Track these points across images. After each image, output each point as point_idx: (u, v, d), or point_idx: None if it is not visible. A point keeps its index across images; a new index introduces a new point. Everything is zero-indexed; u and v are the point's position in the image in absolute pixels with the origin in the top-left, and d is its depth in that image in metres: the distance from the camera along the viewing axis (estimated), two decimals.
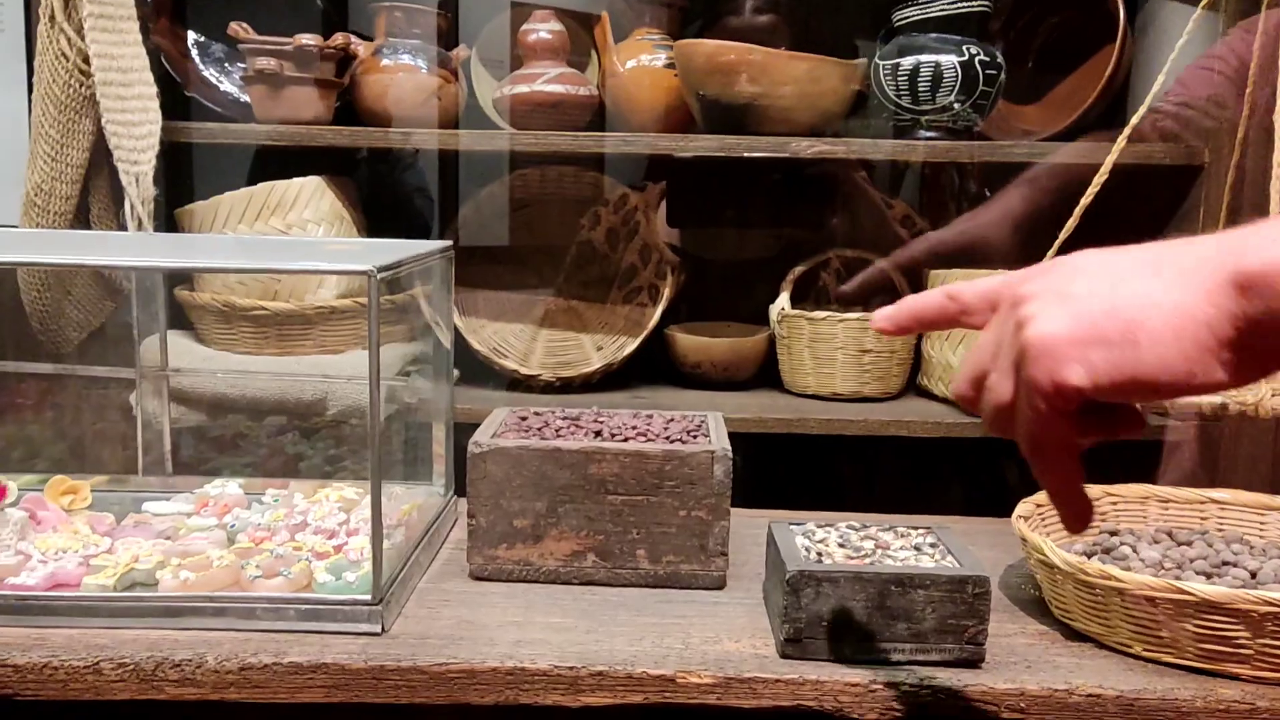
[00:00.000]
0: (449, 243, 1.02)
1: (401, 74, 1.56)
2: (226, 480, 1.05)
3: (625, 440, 0.92)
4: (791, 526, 0.86)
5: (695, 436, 0.93)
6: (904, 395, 1.62)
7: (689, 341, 1.64)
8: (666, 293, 1.62)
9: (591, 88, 1.58)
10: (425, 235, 1.75)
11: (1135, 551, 0.85)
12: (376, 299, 0.78)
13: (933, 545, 0.81)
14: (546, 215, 1.75)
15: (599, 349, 1.71)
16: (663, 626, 0.82)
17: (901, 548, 0.80)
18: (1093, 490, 0.96)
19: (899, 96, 1.49)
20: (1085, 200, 1.11)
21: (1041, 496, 0.92)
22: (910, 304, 0.63)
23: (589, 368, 1.61)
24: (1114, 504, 0.94)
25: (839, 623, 0.75)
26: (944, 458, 1.66)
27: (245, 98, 1.62)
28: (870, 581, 0.75)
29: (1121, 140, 1.11)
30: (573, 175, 1.71)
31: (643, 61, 1.59)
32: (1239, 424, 1.27)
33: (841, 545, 0.81)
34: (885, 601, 0.75)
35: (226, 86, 1.65)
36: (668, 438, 0.92)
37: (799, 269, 1.63)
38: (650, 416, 1.00)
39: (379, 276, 0.78)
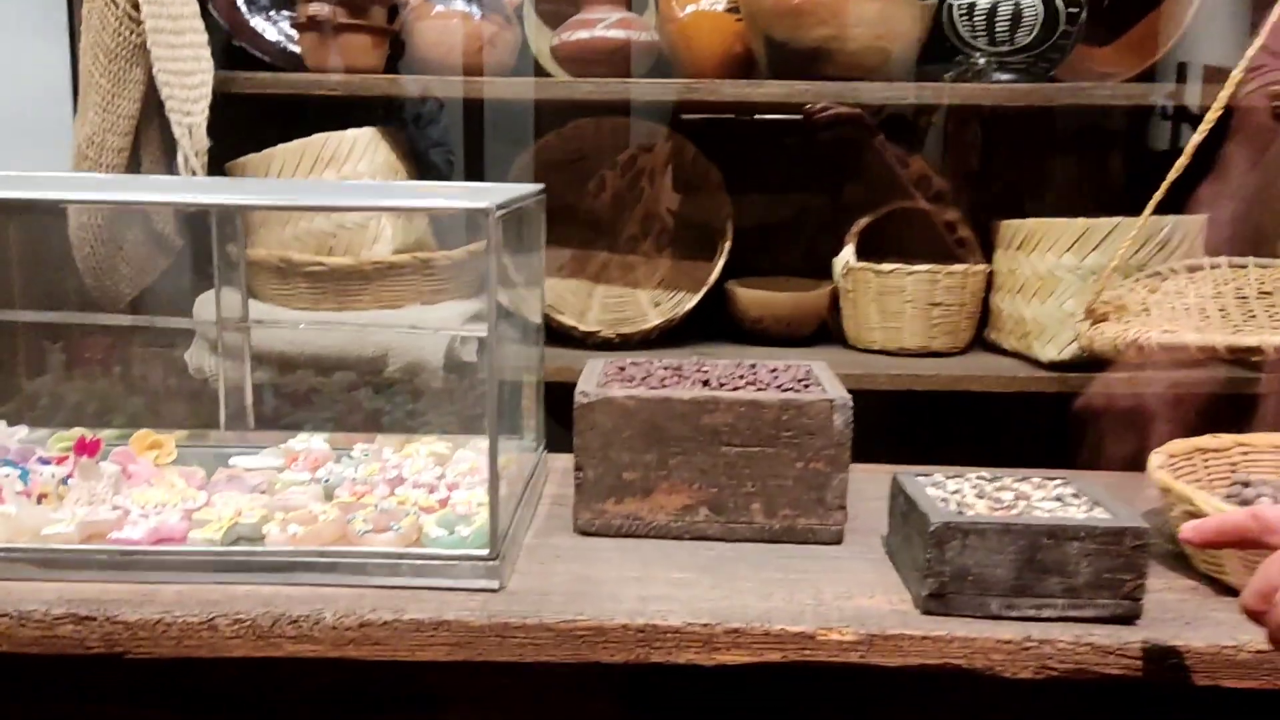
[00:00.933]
0: (541, 185, 0.98)
1: (455, 20, 1.51)
2: (310, 434, 1.01)
3: (736, 389, 0.88)
4: (918, 478, 0.82)
5: (806, 386, 0.90)
6: (970, 350, 1.58)
7: (751, 296, 1.60)
8: (727, 246, 1.58)
9: (653, 32, 1.53)
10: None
11: (1278, 502, 0.82)
12: (498, 238, 0.74)
13: (1075, 496, 0.78)
14: (602, 168, 1.70)
15: (656, 305, 1.67)
16: (789, 582, 0.79)
17: (1043, 498, 0.77)
18: (1224, 439, 0.94)
19: (974, 38, 1.44)
20: (1195, 139, 1.07)
21: (1174, 445, 0.88)
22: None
23: (647, 324, 1.57)
24: (1245, 454, 0.90)
25: (986, 577, 0.72)
26: (1010, 412, 1.62)
27: (294, 47, 1.57)
28: (1020, 534, 0.71)
29: (1236, 75, 1.06)
30: (628, 127, 1.66)
31: (702, 6, 1.54)
32: None
33: (980, 496, 0.78)
34: (1036, 555, 0.72)
35: (273, 35, 1.60)
36: (779, 386, 0.89)
37: (864, 221, 1.59)
38: (754, 366, 0.96)
39: (497, 214, 0.74)
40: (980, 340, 1.60)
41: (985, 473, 0.84)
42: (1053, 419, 1.61)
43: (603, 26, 1.49)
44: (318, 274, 1.44)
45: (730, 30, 1.53)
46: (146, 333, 1.31)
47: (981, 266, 1.54)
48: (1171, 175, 1.11)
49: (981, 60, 1.46)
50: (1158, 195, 1.10)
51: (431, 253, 1.48)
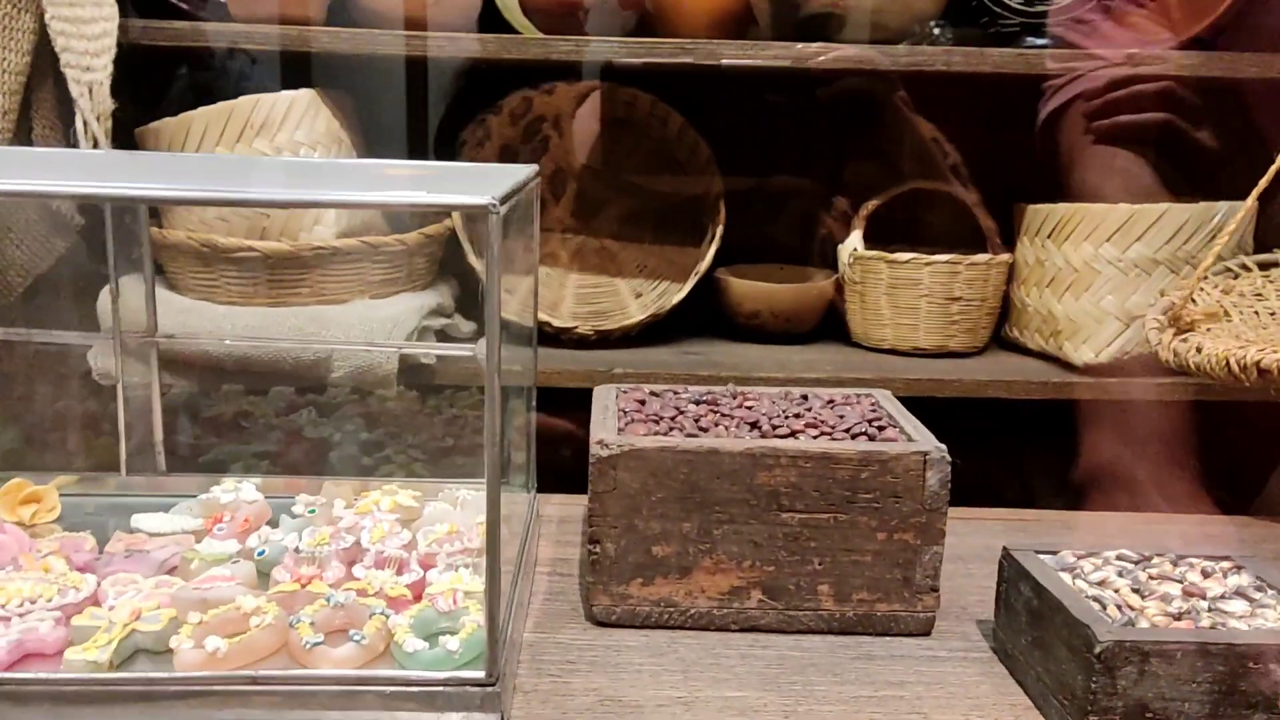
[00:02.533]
0: (535, 167, 0.75)
1: None
2: (239, 480, 0.78)
3: (794, 434, 0.67)
4: (1042, 557, 0.62)
5: (881, 428, 0.69)
6: (989, 349, 1.39)
7: (746, 288, 1.38)
8: (718, 231, 1.35)
9: None
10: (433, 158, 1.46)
11: None
12: (500, 239, 0.51)
13: (1259, 588, 0.58)
14: (575, 139, 1.46)
15: (638, 296, 1.45)
16: (882, 701, 0.58)
17: (1223, 595, 0.57)
18: None
19: None
20: None
21: None
22: None
23: (629, 319, 1.35)
24: None
25: (1170, 713, 0.52)
26: (1031, 417, 1.43)
27: None
28: (1218, 656, 0.51)
29: None
30: (605, 91, 1.42)
31: None
32: None
33: (1137, 591, 0.57)
34: (1239, 684, 0.52)
35: None
36: (849, 430, 0.67)
37: (873, 203, 1.37)
38: (806, 398, 0.75)
39: (501, 211, 0.52)
40: (998, 338, 1.40)
41: (1129, 552, 0.63)
42: (1079, 424, 1.42)
43: None
44: (248, 261, 1.18)
45: None
46: (39, 327, 1.05)
47: (1005, 257, 1.34)
48: None
49: (1014, 21, 1.25)
50: (1264, 181, 0.91)
51: (382, 236, 1.23)
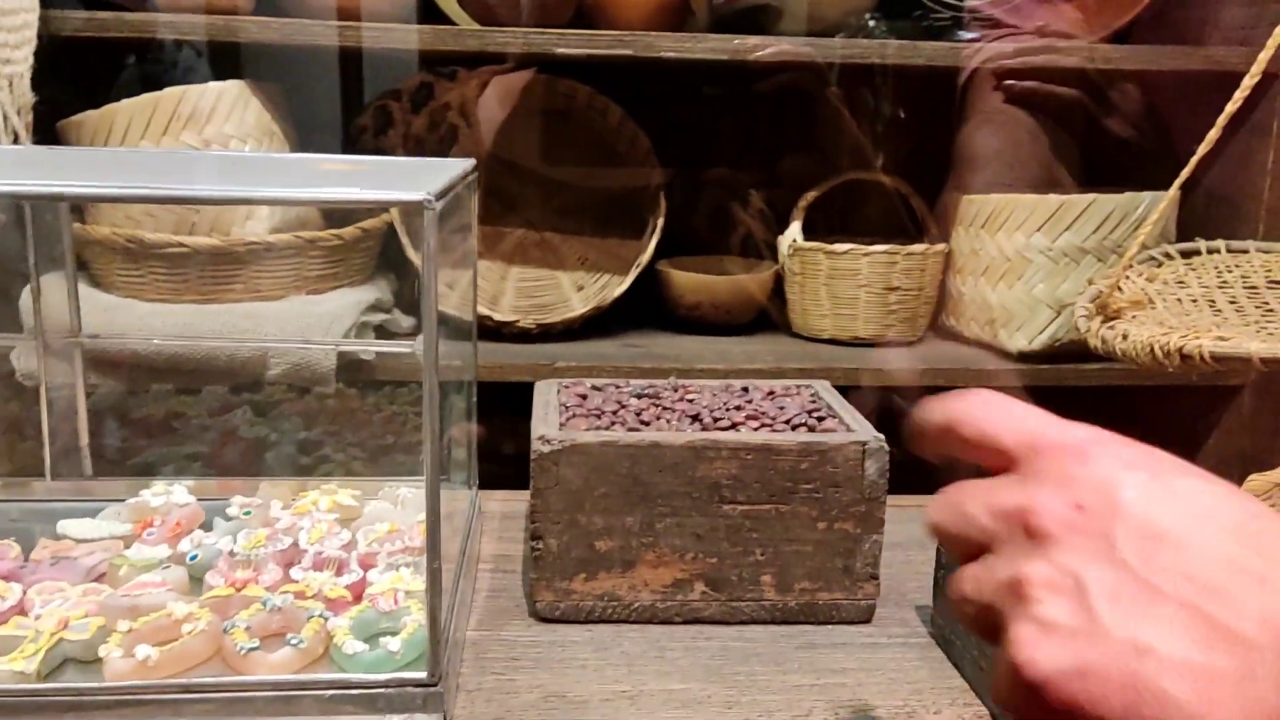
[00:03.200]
0: (472, 161, 0.74)
1: None
2: (170, 483, 0.76)
3: (735, 426, 0.67)
4: None
5: (821, 419, 0.69)
6: (927, 338, 1.40)
7: (687, 280, 1.38)
8: (659, 223, 1.35)
9: None
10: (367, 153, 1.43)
11: None
12: (436, 235, 0.50)
13: None
14: (513, 131, 1.45)
15: (579, 289, 1.44)
16: (824, 689, 0.58)
17: None
18: None
19: None
20: (1229, 110, 0.89)
21: (1253, 484, 0.71)
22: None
23: (571, 312, 1.34)
24: None
25: None
26: None
27: None
28: None
29: (1277, 35, 0.89)
30: (544, 84, 1.41)
31: None
32: None
33: None
34: None
35: None
36: (789, 422, 0.68)
37: (811, 195, 1.38)
38: (746, 390, 0.75)
39: (437, 207, 0.51)
40: (935, 327, 1.42)
41: None
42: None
43: None
44: (177, 257, 1.15)
45: None
46: None
47: (941, 247, 1.35)
48: (1202, 149, 0.93)
49: (947, 15, 1.26)
50: (1185, 172, 0.93)
51: (318, 231, 1.21)
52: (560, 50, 1.22)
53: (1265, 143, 1.22)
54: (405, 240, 1.26)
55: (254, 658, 0.55)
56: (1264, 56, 0.90)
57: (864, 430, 0.65)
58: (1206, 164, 1.15)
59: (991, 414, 0.38)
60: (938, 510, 0.38)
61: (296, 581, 0.63)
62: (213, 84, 1.19)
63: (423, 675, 0.54)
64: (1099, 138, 1.42)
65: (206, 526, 0.71)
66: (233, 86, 1.20)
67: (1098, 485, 0.33)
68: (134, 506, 0.72)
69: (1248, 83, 0.89)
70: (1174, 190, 0.92)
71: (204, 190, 0.50)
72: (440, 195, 0.52)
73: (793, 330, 1.40)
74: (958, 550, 0.38)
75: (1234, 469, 1.22)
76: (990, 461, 0.38)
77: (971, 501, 0.37)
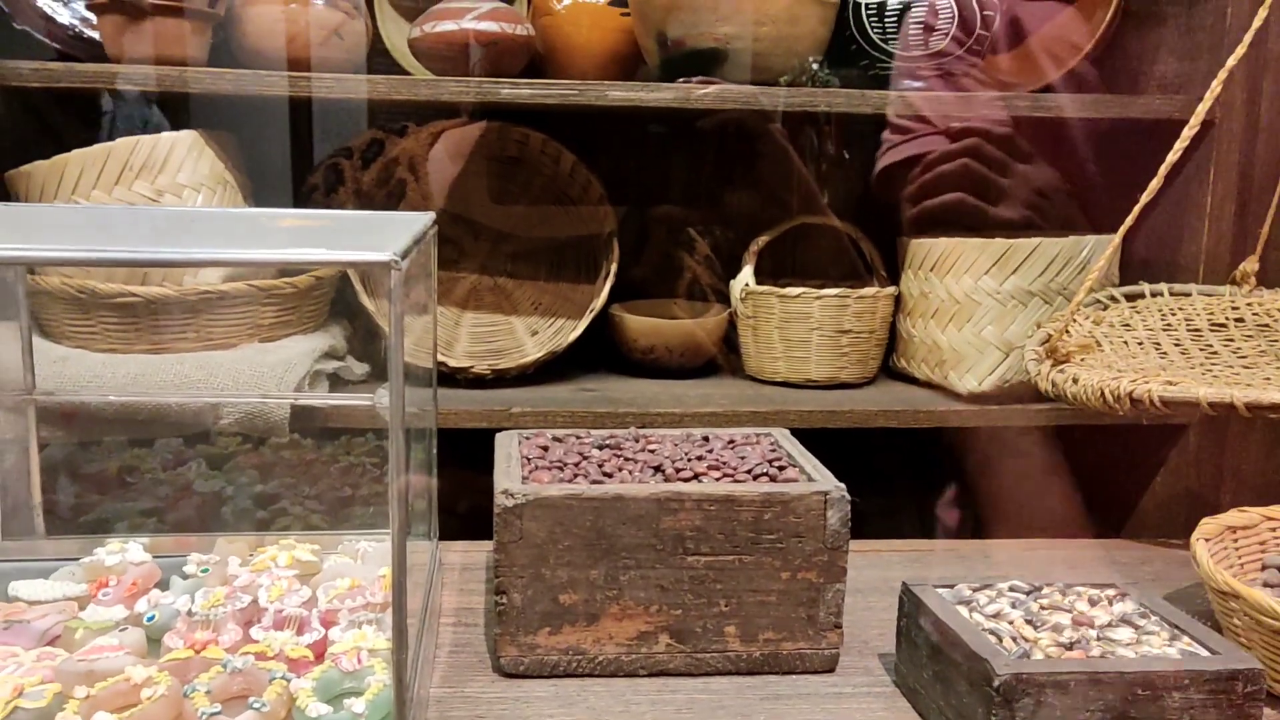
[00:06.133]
0: (431, 215, 0.74)
1: (293, 5, 1.23)
2: (125, 540, 0.74)
3: (698, 476, 0.67)
4: (940, 591, 0.64)
5: (782, 468, 0.70)
6: (879, 380, 1.42)
7: (640, 324, 1.39)
8: (612, 268, 1.36)
9: (528, 27, 1.30)
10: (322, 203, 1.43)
11: None
12: (401, 297, 0.51)
13: (1143, 614, 0.61)
14: (466, 178, 1.46)
15: (534, 334, 1.44)
16: None
17: (1109, 622, 0.59)
18: (1251, 514, 0.80)
19: (884, 40, 1.28)
20: (1171, 159, 0.93)
21: (1206, 528, 0.73)
22: None
23: (525, 357, 1.34)
24: (1273, 530, 0.76)
25: None
26: (917, 445, 1.47)
27: (91, 32, 1.26)
28: (1109, 685, 0.54)
29: (1215, 87, 0.93)
30: (497, 131, 1.42)
31: None
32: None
33: (1031, 622, 0.59)
34: (1129, 711, 0.54)
35: (66, 18, 1.28)
36: (751, 471, 0.68)
37: (763, 239, 1.40)
38: (707, 439, 0.76)
39: (402, 266, 0.51)
40: (887, 369, 1.44)
41: (1020, 583, 0.66)
42: (965, 452, 1.47)
43: (471, 18, 1.24)
44: (129, 307, 1.14)
45: (614, 25, 1.32)
46: None
47: (891, 289, 1.38)
48: (1145, 197, 0.97)
49: (894, 63, 1.30)
50: (1130, 218, 0.96)
51: (271, 280, 1.20)
52: (513, 99, 1.23)
53: (1203, 188, 1.26)
54: (359, 286, 1.26)
55: None
56: (1201, 108, 0.94)
57: (825, 480, 0.66)
58: (1148, 208, 1.20)
59: None
60: None
61: (257, 641, 0.62)
62: (165, 134, 1.18)
63: None
64: (1041, 182, 1.46)
65: (163, 585, 0.70)
66: (186, 136, 1.20)
67: None
68: (88, 566, 0.71)
69: (1187, 133, 0.93)
70: (1119, 235, 0.95)
71: (169, 253, 0.50)
72: (405, 254, 0.52)
73: (746, 373, 1.41)
74: None
75: (1181, 507, 1.25)
76: None
77: None
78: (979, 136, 1.34)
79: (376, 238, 0.56)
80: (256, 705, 0.55)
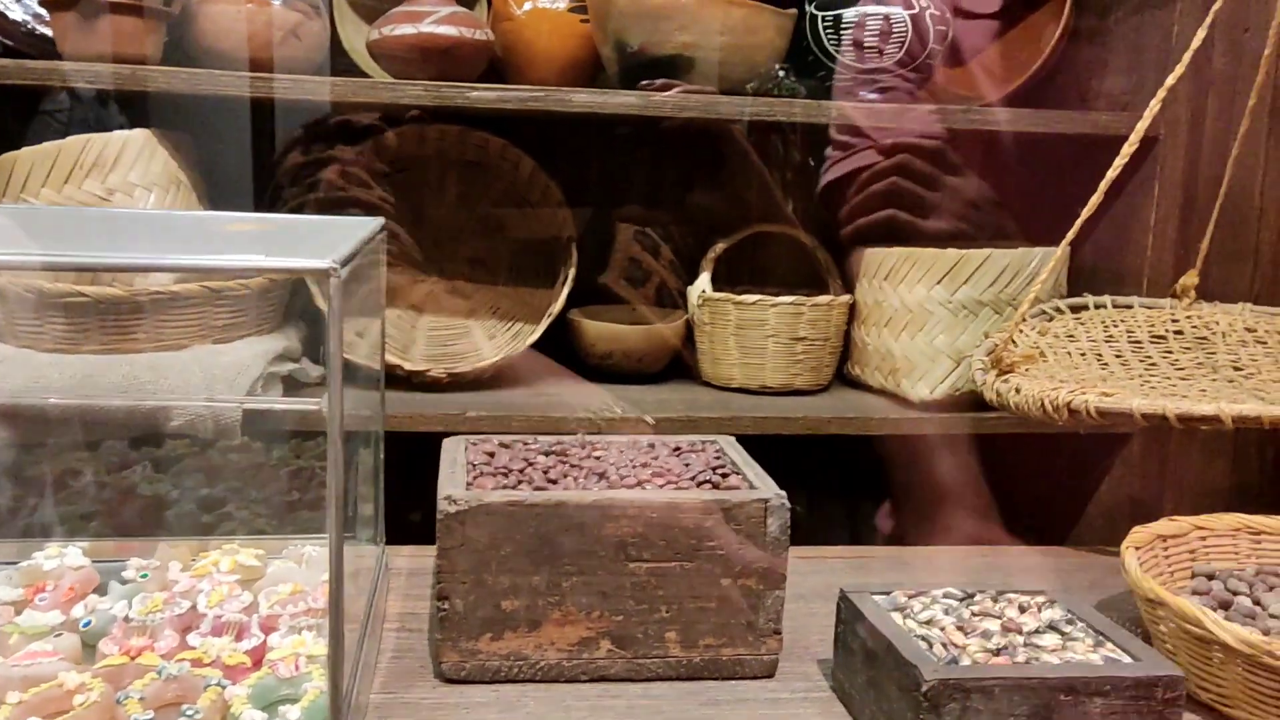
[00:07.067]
0: (380, 221, 0.74)
1: (250, 5, 1.23)
2: (64, 545, 0.74)
3: (641, 484, 0.68)
4: (876, 598, 0.64)
5: (725, 475, 0.70)
6: (833, 387, 1.44)
7: (598, 329, 1.39)
8: (570, 273, 1.36)
9: (487, 32, 1.30)
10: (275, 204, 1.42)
11: (1262, 606, 0.69)
12: (340, 305, 0.51)
13: (1070, 621, 0.62)
14: (425, 182, 1.45)
15: (491, 338, 1.44)
16: None
17: (1037, 628, 0.60)
18: (1181, 524, 0.81)
19: (839, 52, 1.29)
20: (1111, 175, 0.95)
21: (1136, 537, 0.75)
22: None
23: (482, 361, 1.34)
24: (1203, 539, 0.77)
25: None
26: (870, 450, 1.49)
27: (44, 29, 1.25)
28: (1034, 690, 0.55)
29: (1155, 104, 0.95)
30: (457, 136, 1.42)
31: (541, 3, 1.33)
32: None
33: (962, 629, 0.60)
34: (1051, 716, 0.55)
35: (18, 14, 1.27)
36: (694, 479, 0.69)
37: (721, 245, 1.41)
38: (653, 446, 0.76)
39: (341, 274, 0.51)
40: (841, 376, 1.46)
41: (955, 590, 0.67)
42: (916, 459, 1.49)
43: (430, 21, 1.24)
44: (77, 306, 1.13)
45: (573, 32, 1.32)
46: None
47: (846, 298, 1.39)
48: (1087, 211, 0.99)
49: (846, 76, 1.31)
50: (1073, 231, 0.98)
51: (224, 281, 1.19)
52: (472, 104, 1.23)
53: (1148, 202, 1.28)
54: (315, 289, 1.26)
55: None
56: (1141, 125, 0.96)
57: (766, 487, 0.67)
58: (1095, 222, 1.22)
59: None
60: None
61: (194, 648, 0.62)
62: (117, 133, 1.17)
63: None
64: (976, 195, 1.48)
65: (101, 590, 0.69)
66: (138, 135, 1.19)
67: None
68: (25, 570, 0.70)
69: (1127, 149, 0.95)
70: (1063, 247, 0.97)
71: (114, 258, 0.50)
72: (346, 261, 0.52)
73: (703, 379, 1.42)
74: None
75: (1123, 516, 1.27)
76: None
77: None
78: (909, 152, 1.35)
79: (321, 244, 0.56)
80: (190, 712, 0.55)
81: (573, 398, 1.34)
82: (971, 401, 1.27)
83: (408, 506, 1.04)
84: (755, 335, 1.36)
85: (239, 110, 1.38)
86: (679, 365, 1.44)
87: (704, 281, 1.39)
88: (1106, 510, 1.32)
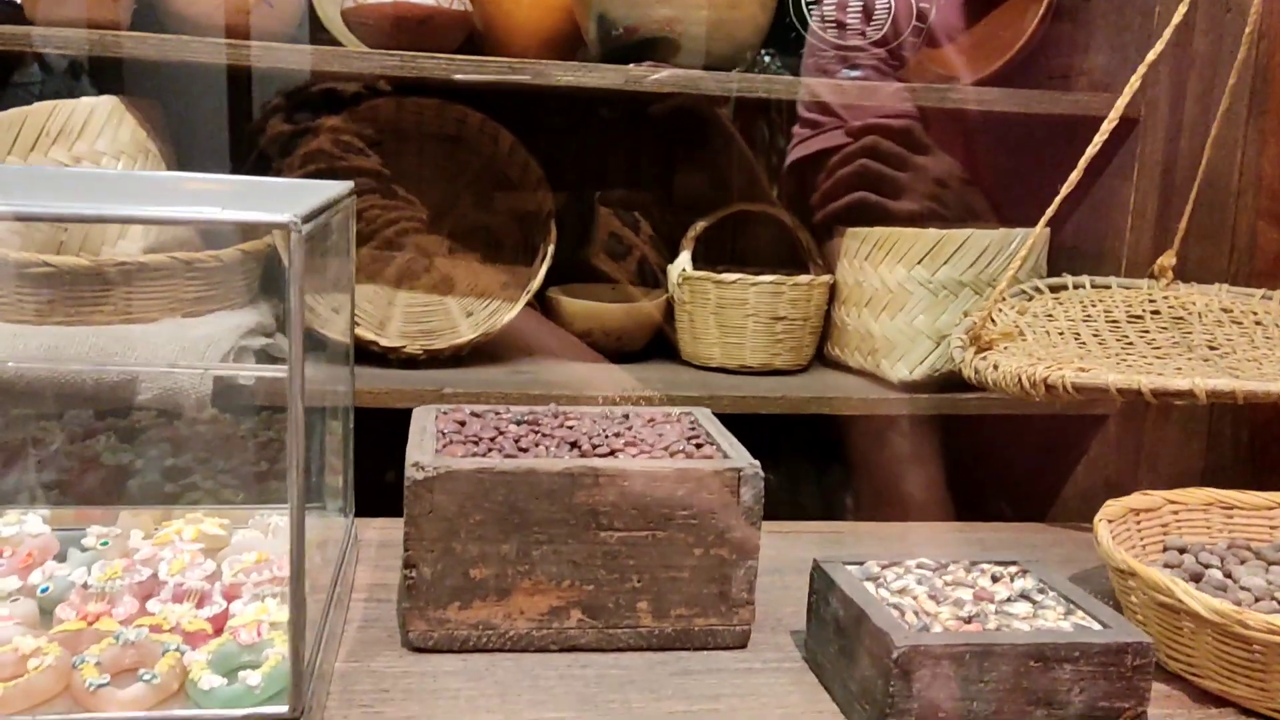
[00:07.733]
0: (349, 184, 0.73)
1: None
2: (24, 512, 0.72)
3: (614, 453, 0.67)
4: (849, 568, 0.64)
5: (699, 445, 0.69)
6: (812, 367, 1.43)
7: (577, 307, 1.38)
8: (550, 250, 1.35)
9: (465, 3, 1.28)
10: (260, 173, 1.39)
11: (1233, 579, 0.68)
12: (302, 261, 0.49)
13: (1042, 590, 0.61)
14: (403, 155, 1.43)
15: (469, 315, 1.43)
16: (698, 715, 0.59)
17: (1009, 598, 0.60)
18: (1154, 498, 0.81)
19: (823, 29, 1.28)
20: (1089, 153, 0.94)
21: (1110, 510, 0.74)
22: None
23: (459, 338, 1.33)
24: (1175, 513, 0.77)
25: (960, 713, 0.54)
26: (851, 430, 1.48)
27: None
28: (1004, 656, 0.54)
29: (1134, 82, 0.94)
30: (436, 109, 1.40)
31: None
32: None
33: (934, 598, 0.60)
34: (1021, 682, 0.54)
35: None
36: (668, 449, 0.68)
37: (701, 224, 1.40)
38: (627, 417, 0.75)
39: (304, 230, 0.50)
40: (820, 356, 1.45)
41: (928, 560, 0.66)
42: (895, 438, 1.48)
43: None
44: (44, 277, 1.11)
45: (554, 4, 1.30)
46: None
47: (826, 278, 1.38)
48: (1065, 189, 0.98)
49: (825, 53, 1.30)
50: (1050, 210, 0.97)
51: (195, 253, 1.17)
52: (450, 76, 1.21)
53: (1127, 184, 1.28)
54: (284, 256, 1.24)
55: (104, 694, 0.53)
56: (1120, 102, 0.95)
57: (740, 457, 0.66)
58: (1074, 203, 1.21)
59: None
60: None
61: (154, 614, 0.60)
62: (85, 99, 1.15)
63: (283, 710, 0.52)
64: (976, 176, 1.47)
65: (61, 558, 0.68)
66: (106, 102, 1.16)
67: None
68: None
69: (1106, 126, 0.95)
70: (1040, 227, 0.96)
71: (59, 209, 0.48)
72: (309, 218, 0.51)
73: (682, 358, 1.41)
74: None
75: (1100, 494, 1.27)
76: None
77: None
78: (878, 133, 1.34)
79: (284, 201, 0.55)
80: (147, 677, 0.54)
81: (550, 375, 1.32)
82: (951, 382, 1.27)
83: (382, 482, 1.03)
84: (735, 314, 1.35)
85: (212, 78, 1.35)
86: (660, 344, 1.44)
87: (684, 260, 1.38)
88: (1083, 490, 1.32)
